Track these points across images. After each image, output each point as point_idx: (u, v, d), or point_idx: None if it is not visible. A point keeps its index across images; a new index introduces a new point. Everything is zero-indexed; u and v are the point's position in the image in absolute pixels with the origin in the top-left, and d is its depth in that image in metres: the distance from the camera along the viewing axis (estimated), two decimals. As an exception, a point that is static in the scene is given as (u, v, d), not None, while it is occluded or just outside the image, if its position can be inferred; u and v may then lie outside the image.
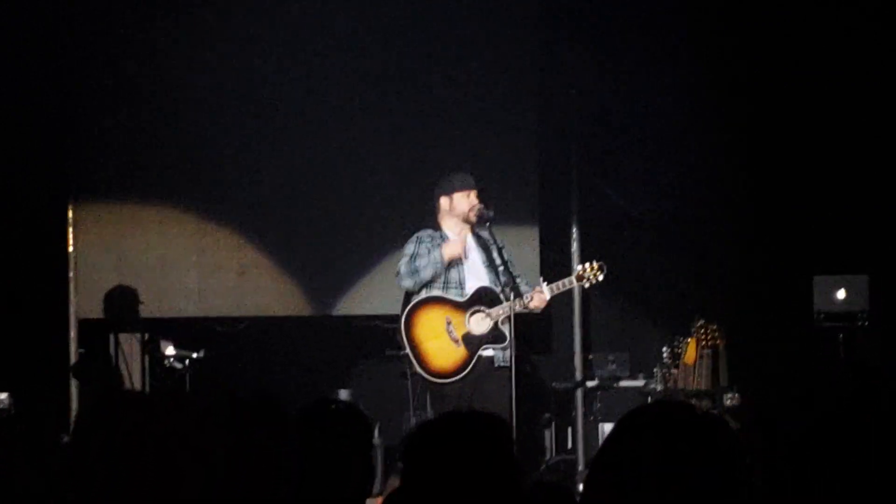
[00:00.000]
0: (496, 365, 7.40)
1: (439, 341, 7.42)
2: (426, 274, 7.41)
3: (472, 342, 7.40)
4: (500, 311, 7.38)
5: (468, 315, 7.46)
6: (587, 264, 7.70)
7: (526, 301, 7.38)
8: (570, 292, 9.21)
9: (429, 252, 7.47)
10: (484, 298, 7.45)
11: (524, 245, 9.11)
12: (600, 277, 7.65)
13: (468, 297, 7.46)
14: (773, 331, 9.28)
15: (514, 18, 9.44)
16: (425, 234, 7.57)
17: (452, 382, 7.37)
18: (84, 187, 9.31)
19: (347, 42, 9.38)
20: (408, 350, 7.45)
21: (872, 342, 8.86)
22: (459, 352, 7.40)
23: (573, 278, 7.66)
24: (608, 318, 9.83)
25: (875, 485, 2.35)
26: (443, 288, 7.47)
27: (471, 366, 7.38)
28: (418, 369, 7.45)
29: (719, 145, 9.54)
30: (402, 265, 7.50)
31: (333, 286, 9.41)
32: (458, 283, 7.49)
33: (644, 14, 9.38)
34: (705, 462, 2.17)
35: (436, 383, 7.48)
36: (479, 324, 7.42)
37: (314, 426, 3.43)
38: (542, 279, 7.62)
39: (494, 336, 7.40)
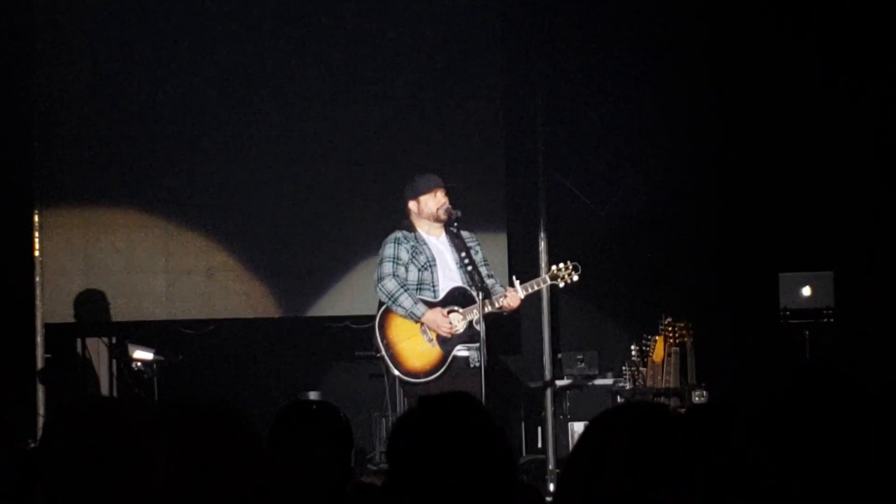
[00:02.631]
0: (472, 365, 7.40)
1: (413, 342, 7.43)
2: (398, 308, 7.41)
3: (446, 342, 7.41)
4: (475, 311, 7.38)
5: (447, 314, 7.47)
6: (561, 264, 7.70)
7: (500, 301, 7.40)
8: (538, 291, 9.24)
9: (409, 264, 7.45)
10: (458, 298, 7.45)
11: (492, 246, 9.12)
12: (575, 278, 7.65)
13: (442, 297, 7.47)
14: (739, 328, 9.33)
15: (479, 22, 9.46)
16: (401, 234, 7.56)
17: (427, 382, 7.37)
18: (50, 191, 9.26)
19: (313, 45, 9.38)
20: (382, 351, 7.45)
21: (838, 339, 8.93)
22: (434, 352, 7.41)
23: (546, 277, 7.68)
24: (577, 318, 9.86)
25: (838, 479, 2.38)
26: (416, 289, 7.48)
27: (445, 365, 7.38)
28: (393, 370, 7.45)
29: (685, 144, 9.58)
30: (385, 268, 7.47)
31: (302, 288, 9.40)
32: (431, 285, 7.49)
33: (610, 14, 9.41)
34: (676, 463, 2.19)
35: (410, 383, 7.48)
36: (456, 323, 7.43)
37: (293, 425, 3.44)
38: (515, 278, 7.62)
39: (469, 335, 7.40)
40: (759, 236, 9.41)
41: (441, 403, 2.60)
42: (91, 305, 9.13)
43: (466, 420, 2.55)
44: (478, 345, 7.36)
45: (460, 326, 7.40)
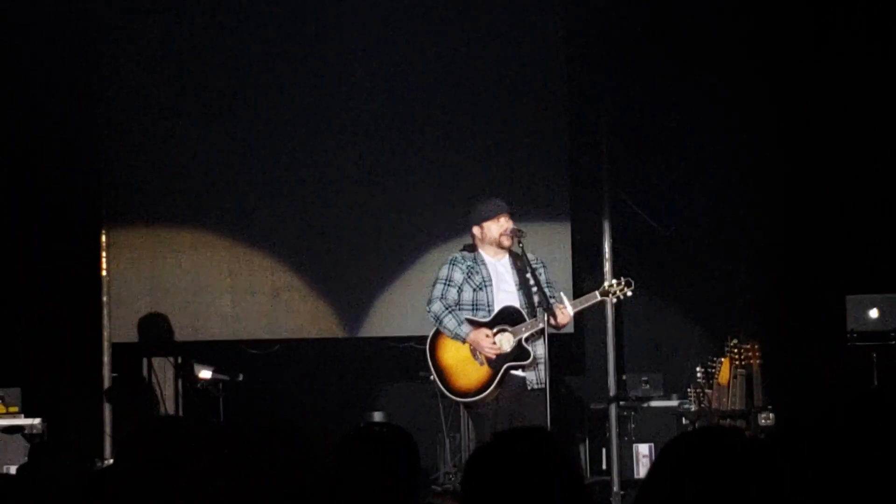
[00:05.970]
0: (529, 388, 7.37)
1: (463, 362, 7.41)
2: (444, 330, 7.42)
3: (495, 361, 7.38)
4: (523, 329, 7.36)
5: (492, 334, 7.45)
6: (614, 280, 7.67)
7: (551, 319, 7.32)
8: (602, 312, 9.19)
9: (464, 284, 7.45)
10: (507, 317, 7.43)
11: (556, 265, 9.10)
12: (628, 293, 7.57)
13: (492, 316, 7.46)
14: (806, 350, 9.23)
15: (544, 39, 9.44)
16: (459, 255, 7.56)
17: (478, 400, 7.35)
18: (117, 212, 9.36)
19: (375, 61, 9.41)
20: (433, 373, 7.44)
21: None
22: (483, 370, 7.38)
23: (597, 293, 7.59)
24: (641, 339, 9.80)
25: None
26: (472, 311, 7.48)
27: (494, 383, 7.34)
28: (443, 390, 7.44)
29: (751, 163, 9.51)
30: (435, 291, 7.48)
31: (367, 308, 9.41)
32: (487, 306, 7.48)
33: (677, 32, 9.37)
34: (752, 488, 2.15)
35: (466, 403, 7.48)
36: (503, 343, 7.41)
37: (361, 447, 3.43)
38: (563, 295, 7.56)
39: (517, 354, 7.36)
40: (827, 258, 9.31)
41: (515, 438, 2.60)
42: (157, 325, 9.20)
43: (541, 455, 2.54)
44: (526, 362, 7.32)
45: (507, 346, 7.37)
